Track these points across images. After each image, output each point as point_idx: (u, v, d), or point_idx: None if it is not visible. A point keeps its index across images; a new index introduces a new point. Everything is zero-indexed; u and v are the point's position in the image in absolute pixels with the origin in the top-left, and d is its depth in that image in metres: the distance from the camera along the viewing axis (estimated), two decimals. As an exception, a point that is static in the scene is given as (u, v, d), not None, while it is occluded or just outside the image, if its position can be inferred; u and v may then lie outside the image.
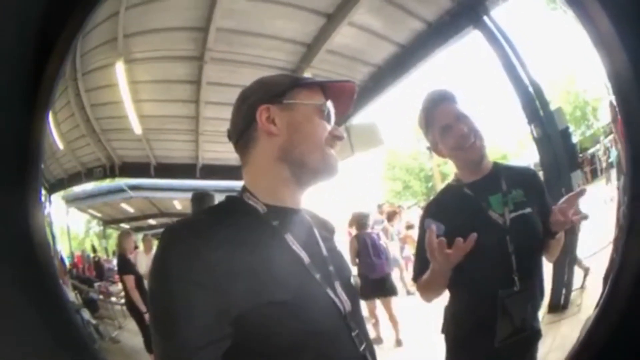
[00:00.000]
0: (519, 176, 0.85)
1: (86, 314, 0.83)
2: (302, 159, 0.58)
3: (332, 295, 0.57)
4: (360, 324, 0.60)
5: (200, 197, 0.85)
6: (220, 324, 0.49)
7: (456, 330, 0.84)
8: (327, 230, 0.68)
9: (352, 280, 0.63)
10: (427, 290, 0.85)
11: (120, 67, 0.82)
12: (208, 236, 0.51)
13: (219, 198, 0.84)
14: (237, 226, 0.55)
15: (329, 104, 0.61)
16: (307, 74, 0.80)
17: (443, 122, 0.82)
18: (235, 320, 0.49)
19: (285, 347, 0.51)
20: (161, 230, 0.90)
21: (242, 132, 0.60)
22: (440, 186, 0.90)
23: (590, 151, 0.89)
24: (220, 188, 0.84)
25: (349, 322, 0.57)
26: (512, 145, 0.91)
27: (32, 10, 0.60)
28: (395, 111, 0.87)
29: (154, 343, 0.51)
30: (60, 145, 0.82)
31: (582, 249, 0.85)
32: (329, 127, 0.61)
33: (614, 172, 0.83)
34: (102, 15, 0.77)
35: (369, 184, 0.91)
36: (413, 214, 0.88)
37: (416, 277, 0.86)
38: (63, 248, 0.85)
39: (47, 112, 0.71)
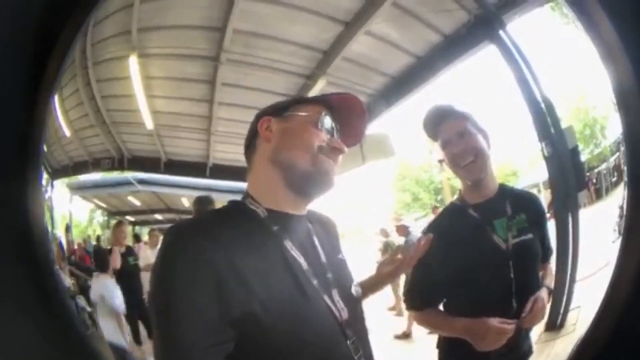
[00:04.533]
0: (524, 200, 0.85)
1: (82, 300, 0.83)
2: (290, 161, 0.60)
3: (328, 302, 0.58)
4: (359, 333, 0.60)
5: (202, 201, 0.86)
6: (223, 327, 0.49)
7: (451, 352, 0.84)
8: (329, 233, 0.69)
9: (353, 289, 0.64)
10: (428, 327, 0.85)
11: (134, 61, 0.82)
12: (212, 237, 0.52)
13: (228, 198, 0.85)
14: (238, 230, 0.56)
15: (327, 117, 0.63)
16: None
17: (444, 137, 0.82)
18: (236, 323, 0.50)
19: (281, 350, 0.52)
20: (167, 225, 0.91)
21: (249, 141, 0.65)
22: (450, 199, 0.90)
23: (596, 170, 0.88)
24: (229, 188, 0.84)
25: (345, 329, 0.57)
26: (523, 162, 0.91)
27: None
28: (408, 123, 0.87)
29: (154, 342, 0.51)
30: (67, 132, 0.82)
31: (582, 269, 0.85)
32: (324, 137, 0.62)
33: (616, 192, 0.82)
34: (115, 5, 0.78)
35: (378, 194, 0.91)
36: (421, 226, 0.88)
37: (417, 307, 0.85)
38: (63, 234, 0.85)
39: (52, 97, 0.72)
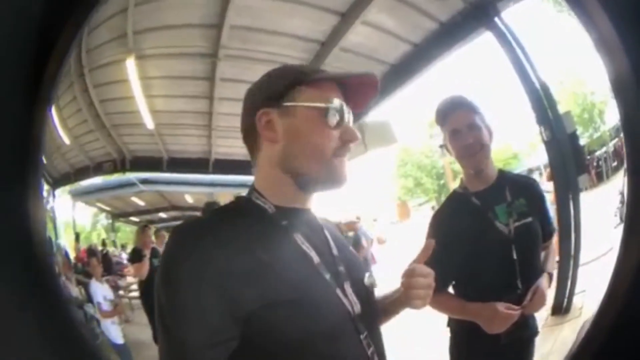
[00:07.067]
0: (522, 185, 0.89)
1: (90, 308, 0.83)
2: (302, 170, 0.56)
3: (341, 295, 0.56)
4: (372, 326, 0.59)
5: (211, 207, 0.86)
6: (229, 324, 0.49)
7: (462, 330, 0.86)
8: (335, 229, 0.68)
9: (367, 279, 0.62)
10: (441, 310, 0.87)
11: (131, 63, 0.82)
12: (217, 235, 0.51)
13: (232, 192, 0.85)
14: (246, 226, 0.55)
15: (338, 105, 0.55)
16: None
17: (453, 126, 0.85)
18: (244, 320, 0.49)
19: (291, 346, 0.51)
20: (172, 223, 0.91)
21: (246, 132, 0.59)
22: (452, 184, 0.92)
23: (597, 154, 0.89)
24: (232, 182, 0.85)
25: (358, 324, 0.56)
26: (523, 145, 0.92)
27: (35, 4, 0.60)
28: (408, 109, 0.88)
29: (160, 341, 0.51)
30: (67, 140, 0.82)
31: (586, 253, 0.86)
32: (335, 134, 0.55)
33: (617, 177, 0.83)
34: (108, 12, 0.78)
35: (381, 181, 0.92)
36: (424, 213, 0.89)
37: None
38: (68, 243, 0.85)
39: (49, 108, 0.71)
